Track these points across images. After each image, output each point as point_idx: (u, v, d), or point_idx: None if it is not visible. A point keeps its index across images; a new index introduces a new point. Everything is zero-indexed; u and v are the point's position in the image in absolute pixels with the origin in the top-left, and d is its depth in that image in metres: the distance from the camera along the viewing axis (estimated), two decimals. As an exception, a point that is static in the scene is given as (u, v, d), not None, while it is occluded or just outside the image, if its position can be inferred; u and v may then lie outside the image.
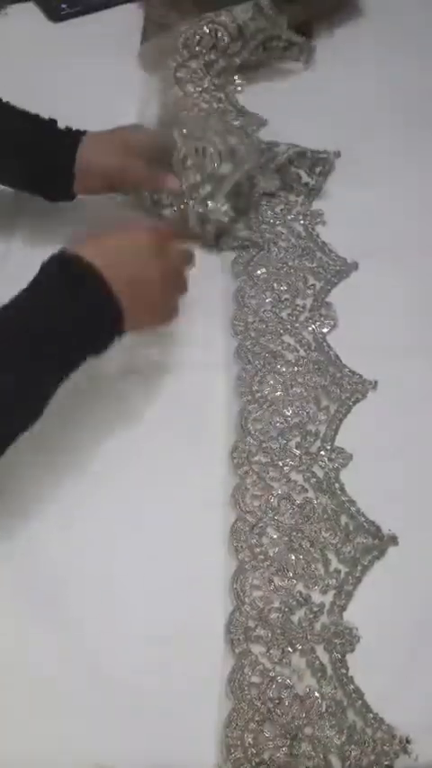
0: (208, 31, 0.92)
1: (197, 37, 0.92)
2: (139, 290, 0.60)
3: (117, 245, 0.61)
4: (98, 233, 0.61)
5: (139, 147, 0.77)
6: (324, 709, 0.54)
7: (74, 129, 0.76)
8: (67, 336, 0.57)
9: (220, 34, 0.92)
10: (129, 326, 0.60)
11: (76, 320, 0.57)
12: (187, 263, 0.68)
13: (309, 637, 0.57)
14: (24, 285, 0.73)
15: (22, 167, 0.75)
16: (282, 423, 0.67)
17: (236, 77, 0.95)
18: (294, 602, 0.59)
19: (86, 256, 0.58)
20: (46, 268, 0.59)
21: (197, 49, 0.92)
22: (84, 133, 0.75)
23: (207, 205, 0.78)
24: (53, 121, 0.76)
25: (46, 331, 0.56)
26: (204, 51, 0.93)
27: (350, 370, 0.70)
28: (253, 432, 0.66)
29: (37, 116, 0.76)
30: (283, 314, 0.74)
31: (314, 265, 0.78)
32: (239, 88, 0.95)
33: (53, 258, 0.59)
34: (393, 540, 0.61)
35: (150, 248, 0.62)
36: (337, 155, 0.83)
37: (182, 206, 0.79)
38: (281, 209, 0.82)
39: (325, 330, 0.73)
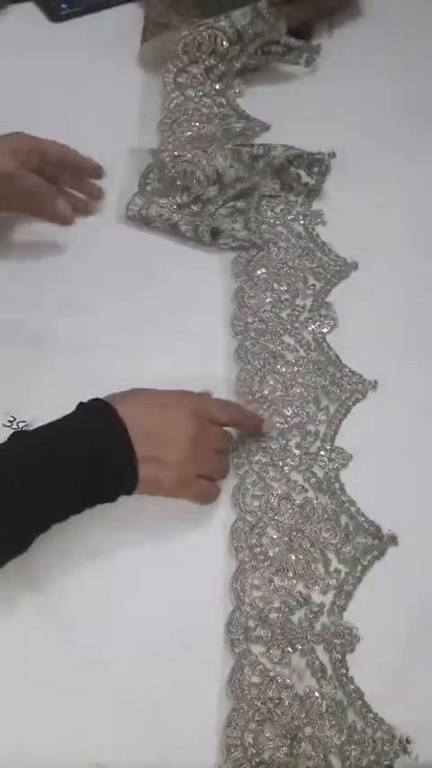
0: (207, 36, 0.92)
1: (196, 42, 0.92)
2: (164, 458, 0.58)
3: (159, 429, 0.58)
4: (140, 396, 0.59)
5: (28, 156, 0.73)
6: (324, 709, 0.54)
7: None
8: (73, 488, 0.55)
9: (218, 39, 0.92)
10: (145, 491, 0.58)
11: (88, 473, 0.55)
12: (227, 444, 0.64)
13: (309, 637, 0.57)
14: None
15: None
16: (282, 423, 0.67)
17: (236, 81, 0.95)
18: (294, 603, 0.59)
19: (122, 414, 0.56)
20: (78, 414, 0.57)
21: (197, 54, 0.92)
22: None
23: (196, 220, 0.79)
24: None
25: (54, 473, 0.54)
26: (204, 56, 0.93)
27: (350, 370, 0.70)
28: (253, 432, 0.67)
29: None
30: (283, 314, 0.74)
31: (314, 265, 0.78)
32: (238, 90, 0.95)
33: (88, 406, 0.58)
34: (393, 540, 0.61)
35: (188, 421, 0.59)
36: (332, 155, 0.83)
37: (174, 216, 0.80)
38: (281, 210, 0.82)
39: (325, 330, 0.73)
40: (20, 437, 0.56)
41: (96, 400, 0.58)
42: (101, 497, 0.57)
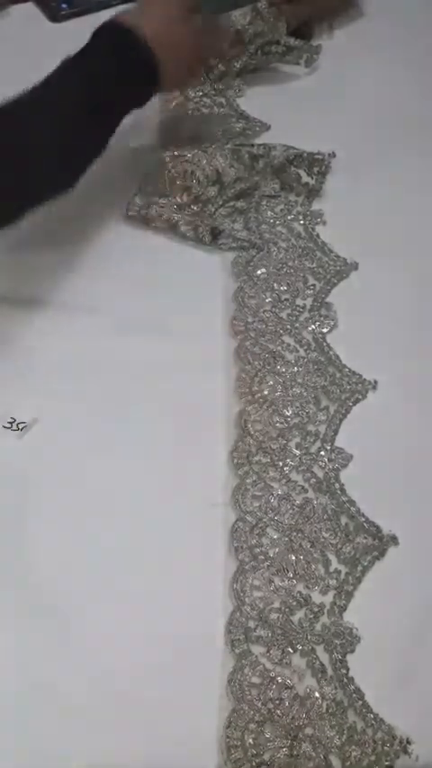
0: None
1: None
2: (172, 49, 0.71)
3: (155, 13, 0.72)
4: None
5: None
6: (324, 710, 0.54)
7: None
8: (110, 85, 0.70)
9: None
10: (164, 80, 0.71)
11: (119, 69, 0.70)
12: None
13: (309, 637, 0.57)
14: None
15: None
16: (281, 423, 0.67)
17: (236, 81, 0.95)
18: (294, 603, 0.59)
19: (129, 22, 0.71)
20: (95, 34, 0.73)
21: None
22: None
23: (196, 220, 0.79)
24: None
25: (92, 79, 0.70)
26: None
27: (350, 370, 0.70)
28: (253, 432, 0.66)
29: None
30: (283, 314, 0.74)
31: (314, 265, 0.78)
32: (239, 91, 0.95)
33: (101, 26, 0.73)
34: (393, 540, 0.61)
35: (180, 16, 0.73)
36: (332, 155, 0.83)
37: (174, 216, 0.80)
38: (281, 210, 0.82)
39: (325, 330, 0.73)
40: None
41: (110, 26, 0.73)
42: (139, 89, 0.72)
